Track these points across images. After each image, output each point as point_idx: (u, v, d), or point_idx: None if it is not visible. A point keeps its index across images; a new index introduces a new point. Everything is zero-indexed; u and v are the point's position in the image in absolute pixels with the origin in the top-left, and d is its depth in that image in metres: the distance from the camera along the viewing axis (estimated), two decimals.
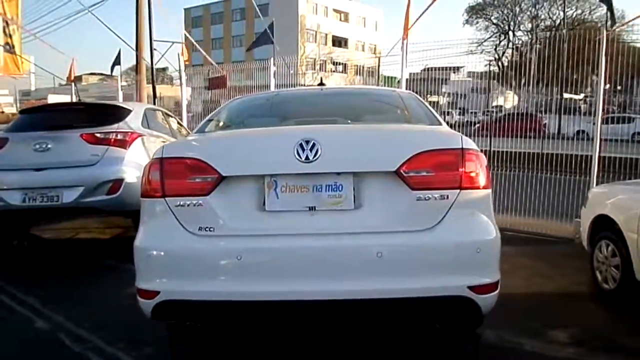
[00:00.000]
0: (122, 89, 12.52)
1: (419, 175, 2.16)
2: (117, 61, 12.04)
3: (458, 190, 2.17)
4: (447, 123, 8.80)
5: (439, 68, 8.30)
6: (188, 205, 2.19)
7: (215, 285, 2.13)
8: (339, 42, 57.85)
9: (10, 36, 12.34)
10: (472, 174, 2.21)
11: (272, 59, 8.44)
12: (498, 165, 6.83)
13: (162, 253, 2.20)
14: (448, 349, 2.99)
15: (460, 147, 2.22)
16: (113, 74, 13.85)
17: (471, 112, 9.18)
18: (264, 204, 2.19)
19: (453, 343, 2.97)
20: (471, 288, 2.11)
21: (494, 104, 10.03)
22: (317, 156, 2.13)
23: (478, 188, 2.22)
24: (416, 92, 7.70)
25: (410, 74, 8.10)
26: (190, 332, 2.91)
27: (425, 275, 2.10)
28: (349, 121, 2.72)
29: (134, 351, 2.94)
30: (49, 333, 3.24)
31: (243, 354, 2.99)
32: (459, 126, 8.02)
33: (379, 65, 12.31)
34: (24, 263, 5.17)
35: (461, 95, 9.73)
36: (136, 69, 15.25)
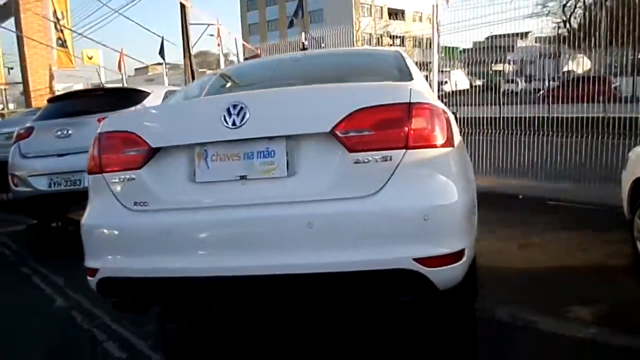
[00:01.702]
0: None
1: (356, 136, 1.92)
2: (162, 50, 12.28)
3: (403, 151, 1.90)
4: (511, 92, 8.35)
5: (503, 35, 7.84)
6: (122, 179, 2.11)
7: (149, 262, 2.02)
8: (395, 14, 56.30)
9: (62, 31, 12.91)
10: (424, 131, 1.94)
11: (302, 34, 8.23)
12: (557, 132, 6.40)
13: (100, 230, 2.14)
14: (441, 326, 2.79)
15: (408, 101, 1.94)
16: (166, 60, 14.23)
17: (538, 79, 8.60)
18: (195, 174, 2.06)
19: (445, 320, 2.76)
20: (418, 260, 1.86)
21: (565, 69, 9.33)
22: (244, 121, 1.97)
23: (432, 147, 1.95)
24: (480, 62, 7.53)
25: (473, 42, 7.77)
26: (177, 310, 2.87)
27: (364, 247, 1.88)
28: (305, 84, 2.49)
29: (136, 327, 2.92)
30: (65, 309, 3.33)
31: (235, 331, 2.91)
32: (524, 94, 7.63)
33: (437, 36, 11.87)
34: (60, 245, 5.39)
35: (529, 62, 9.13)
36: (183, 54, 15.58)
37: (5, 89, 20.76)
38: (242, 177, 2.01)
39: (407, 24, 53.53)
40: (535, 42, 9.54)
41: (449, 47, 9.37)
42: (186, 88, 3.10)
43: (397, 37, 44.89)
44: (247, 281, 1.96)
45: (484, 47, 7.61)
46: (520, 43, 9.25)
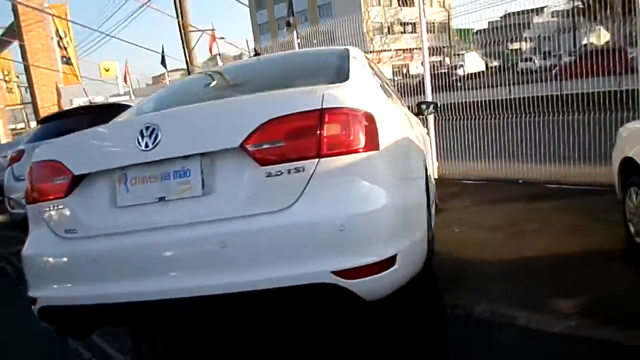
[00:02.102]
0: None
1: (266, 148, 1.86)
2: (163, 59, 12.37)
3: (316, 160, 1.83)
4: (528, 70, 8.04)
5: (519, 12, 7.62)
6: (52, 208, 2.12)
7: (80, 290, 2.01)
8: (404, 1, 55.59)
9: (65, 48, 13.11)
10: (338, 138, 1.85)
11: (295, 32, 8.13)
12: (567, 111, 6.13)
13: (36, 259, 2.15)
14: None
15: (319, 107, 1.86)
16: (167, 69, 14.32)
17: (554, 55, 8.31)
18: (116, 199, 2.04)
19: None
20: (337, 273, 1.77)
21: (583, 42, 9.00)
22: (157, 142, 1.93)
23: (348, 153, 1.86)
24: (495, 41, 7.32)
25: (488, 22, 7.56)
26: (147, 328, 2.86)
27: (281, 263, 1.81)
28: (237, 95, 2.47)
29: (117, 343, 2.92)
30: None
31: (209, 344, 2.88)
32: (541, 71, 7.37)
33: (449, 20, 11.65)
34: None
35: (546, 38, 8.84)
36: (185, 59, 15.67)
37: (23, 109, 21.26)
38: (161, 199, 1.97)
39: (417, 9, 52.68)
40: (552, 16, 9.23)
41: (463, 29, 9.16)
42: (139, 104, 3.06)
43: (407, 23, 44.20)
44: (167, 304, 1.91)
45: (499, 27, 7.35)
46: (536, 19, 8.96)
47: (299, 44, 8.25)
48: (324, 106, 1.86)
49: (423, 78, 6.67)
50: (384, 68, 13.06)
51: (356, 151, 1.87)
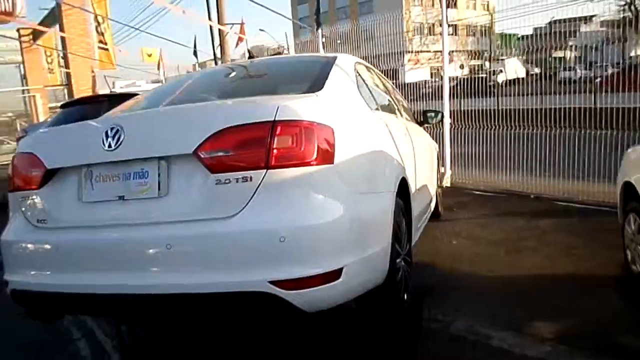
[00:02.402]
0: None
1: (218, 156, 1.90)
2: (195, 50, 12.58)
3: (264, 171, 1.86)
4: (568, 80, 7.80)
5: (566, 20, 7.43)
6: (27, 198, 2.23)
7: (45, 277, 2.12)
8: (447, 2, 54.67)
9: (102, 34, 13.46)
10: (289, 150, 1.88)
11: (320, 30, 8.13)
12: (600, 126, 5.85)
13: (10, 245, 2.25)
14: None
15: (272, 119, 1.89)
16: (198, 60, 14.56)
17: (599, 65, 8.03)
18: (82, 195, 2.13)
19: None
20: (275, 283, 1.80)
21: (631, 54, 8.68)
22: (119, 143, 2.01)
23: (298, 165, 1.88)
24: (538, 48, 7.14)
25: (534, 28, 7.40)
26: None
27: (221, 269, 1.86)
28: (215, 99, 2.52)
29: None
30: None
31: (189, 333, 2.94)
32: (580, 82, 7.14)
33: (492, 23, 11.42)
34: None
35: (592, 47, 8.58)
36: (221, 51, 15.86)
37: (64, 89, 21.88)
38: (121, 197, 2.06)
39: (460, 11, 51.80)
40: (601, 26, 8.92)
41: (506, 34, 8.96)
42: (145, 96, 3.14)
43: (450, 25, 43.27)
44: (115, 299, 1.98)
45: (544, 33, 7.18)
46: (583, 28, 8.69)
47: (338, 43, 8.22)
48: (276, 118, 1.89)
49: (455, 80, 6.52)
50: (422, 70, 12.83)
51: (307, 164, 1.90)
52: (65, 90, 18.56)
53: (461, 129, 6.69)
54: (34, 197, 2.20)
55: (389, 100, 3.56)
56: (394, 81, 6.63)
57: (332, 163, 1.97)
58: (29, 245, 2.19)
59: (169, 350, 2.82)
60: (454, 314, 2.84)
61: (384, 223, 2.29)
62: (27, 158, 2.25)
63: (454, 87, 7.07)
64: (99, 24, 13.32)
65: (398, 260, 2.53)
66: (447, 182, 6.46)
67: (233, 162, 1.89)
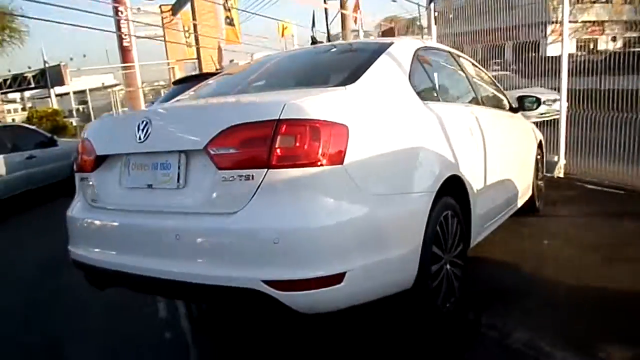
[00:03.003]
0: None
1: (224, 153, 1.94)
2: (313, 23, 12.75)
3: (265, 170, 1.83)
4: None
5: None
6: (84, 180, 2.45)
7: (89, 251, 2.34)
8: None
9: (229, 10, 14.16)
10: (292, 150, 1.84)
11: (432, 3, 7.72)
12: None
13: (71, 220, 2.49)
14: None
15: (276, 118, 1.84)
16: (314, 33, 14.72)
17: None
18: (121, 180, 2.30)
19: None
20: (268, 282, 1.80)
21: None
22: (147, 135, 2.12)
23: (303, 166, 1.82)
24: None
25: None
26: None
27: (220, 263, 1.91)
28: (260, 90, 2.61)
29: None
30: None
31: None
32: None
33: None
34: None
35: None
36: (342, 25, 15.87)
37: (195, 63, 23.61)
38: (149, 186, 2.19)
39: None
40: None
41: None
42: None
43: None
44: (137, 279, 2.14)
45: None
46: None
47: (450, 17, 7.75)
48: (281, 117, 1.85)
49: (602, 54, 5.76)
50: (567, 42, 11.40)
51: (311, 165, 1.84)
52: (196, 64, 20.04)
53: (590, 113, 5.82)
54: (89, 179, 2.43)
55: (465, 89, 3.31)
56: (535, 54, 6.05)
57: (342, 164, 1.89)
58: (83, 222, 2.43)
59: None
60: (516, 324, 2.60)
61: (411, 225, 2.16)
62: (86, 143, 2.47)
63: (600, 62, 6.25)
64: (226, 0, 14.07)
65: (438, 265, 2.39)
66: (559, 173, 5.86)
67: (237, 160, 1.91)
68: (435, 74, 2.90)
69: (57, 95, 26.87)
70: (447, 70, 3.23)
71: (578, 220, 4.37)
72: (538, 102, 3.88)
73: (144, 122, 2.15)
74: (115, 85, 27.88)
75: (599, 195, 5.18)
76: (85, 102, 27.39)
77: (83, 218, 2.42)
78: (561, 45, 5.66)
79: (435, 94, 2.75)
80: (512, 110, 3.92)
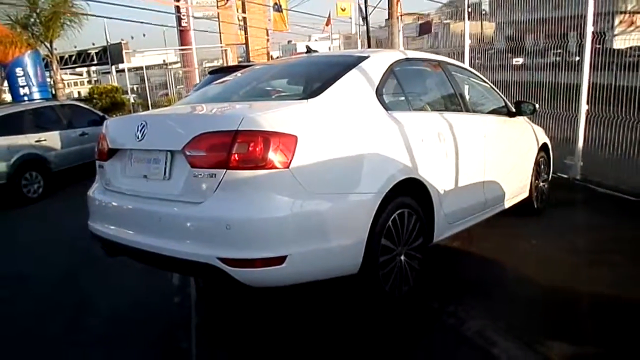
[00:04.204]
0: None
1: (195, 155, 2.38)
2: (364, 14, 12.90)
3: (224, 170, 2.26)
4: None
5: None
6: (100, 167, 2.98)
7: (101, 225, 2.84)
8: None
9: None
10: (247, 155, 2.25)
11: None
12: None
13: (90, 199, 3.01)
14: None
15: (235, 129, 2.26)
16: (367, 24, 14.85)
17: None
18: (125, 170, 2.78)
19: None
20: (223, 260, 2.24)
21: None
22: (144, 135, 2.59)
23: (254, 168, 2.24)
24: None
25: None
26: None
27: (187, 241, 2.37)
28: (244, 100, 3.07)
29: None
30: None
31: None
32: None
33: None
34: None
35: None
36: (389, 15, 15.84)
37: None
38: (145, 176, 2.67)
39: None
40: None
41: None
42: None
43: None
44: (132, 250, 2.63)
45: None
46: None
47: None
48: (239, 128, 2.28)
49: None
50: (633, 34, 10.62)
51: (261, 167, 2.26)
52: (244, 49, 20.61)
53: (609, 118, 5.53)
54: (104, 166, 2.94)
55: (447, 97, 3.55)
56: (600, 47, 5.72)
57: (288, 167, 2.29)
58: (99, 202, 2.93)
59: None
60: (475, 315, 2.86)
61: (355, 221, 2.52)
62: (102, 137, 2.99)
63: None
64: None
65: (389, 256, 2.72)
66: (575, 175, 5.90)
67: (205, 161, 2.36)
68: (410, 85, 3.18)
69: (118, 72, 28.26)
70: (427, 81, 3.49)
71: (573, 223, 4.49)
72: (533, 107, 4.06)
73: (142, 125, 2.63)
74: (176, 62, 28.86)
75: (607, 200, 5.19)
76: (142, 80, 28.62)
77: (99, 198, 2.92)
78: (584, 40, 5.63)
79: (406, 104, 3.03)
80: (510, 114, 4.10)
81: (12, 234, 5.97)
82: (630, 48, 6.48)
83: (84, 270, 4.15)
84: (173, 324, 3.19)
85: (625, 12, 8.57)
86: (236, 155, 2.26)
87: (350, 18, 22.58)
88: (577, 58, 6.06)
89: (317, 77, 2.97)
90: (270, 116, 2.39)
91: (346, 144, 2.55)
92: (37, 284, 4.03)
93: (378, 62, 3.02)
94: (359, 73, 2.84)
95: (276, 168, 2.28)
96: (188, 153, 2.40)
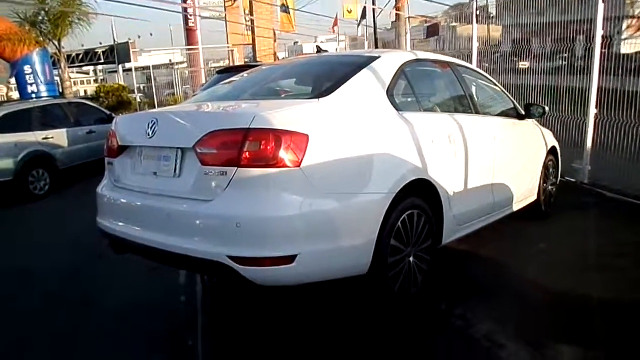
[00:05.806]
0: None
1: (206, 153, 2.36)
2: (363, 15, 12.87)
3: (236, 168, 2.23)
4: None
5: None
6: (110, 164, 2.96)
7: (111, 222, 2.82)
8: None
9: None
10: (258, 153, 2.22)
11: (475, 1, 7.77)
12: None
13: (99, 195, 2.99)
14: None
15: (246, 127, 2.23)
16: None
17: None
18: (135, 167, 2.77)
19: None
20: (232, 258, 2.22)
21: None
22: (154, 133, 2.56)
23: (265, 167, 2.21)
24: None
25: None
26: None
27: (196, 239, 2.35)
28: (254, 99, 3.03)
29: None
30: None
31: None
32: None
33: None
34: None
35: None
36: (396, 17, 15.85)
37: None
38: (155, 173, 2.65)
39: None
40: None
41: None
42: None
43: None
44: (140, 247, 2.61)
45: None
46: None
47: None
48: (251, 126, 2.26)
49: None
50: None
51: (272, 166, 2.23)
52: (251, 49, 20.63)
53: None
54: (113, 163, 2.93)
55: (457, 99, 3.53)
56: (606, 51, 5.70)
57: (299, 166, 2.26)
58: (107, 199, 2.91)
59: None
60: (483, 318, 2.84)
61: (365, 221, 2.50)
62: (112, 134, 2.97)
63: None
64: None
65: (398, 257, 2.69)
66: (583, 179, 5.87)
67: (216, 159, 2.34)
68: (421, 86, 3.17)
69: (124, 71, 28.38)
70: (438, 82, 3.47)
71: (581, 227, 4.45)
72: (543, 109, 4.04)
73: (153, 122, 2.62)
74: (182, 62, 28.96)
75: (615, 204, 5.16)
76: (149, 80, 28.73)
77: (107, 195, 2.91)
78: (594, 44, 5.59)
79: (416, 105, 3.02)
80: (520, 117, 4.09)
81: (18, 231, 5.98)
82: (637, 53, 6.44)
83: (90, 267, 4.15)
84: (179, 322, 3.17)
85: (633, 17, 8.49)
86: (247, 154, 2.25)
87: (357, 20, 22.78)
88: (583, 62, 6.03)
89: (328, 77, 2.96)
90: (282, 115, 2.36)
91: (357, 144, 2.53)
92: (43, 281, 4.03)
93: (389, 62, 3.00)
94: (370, 73, 2.82)
95: (287, 167, 2.26)
96: (199, 151, 2.38)
